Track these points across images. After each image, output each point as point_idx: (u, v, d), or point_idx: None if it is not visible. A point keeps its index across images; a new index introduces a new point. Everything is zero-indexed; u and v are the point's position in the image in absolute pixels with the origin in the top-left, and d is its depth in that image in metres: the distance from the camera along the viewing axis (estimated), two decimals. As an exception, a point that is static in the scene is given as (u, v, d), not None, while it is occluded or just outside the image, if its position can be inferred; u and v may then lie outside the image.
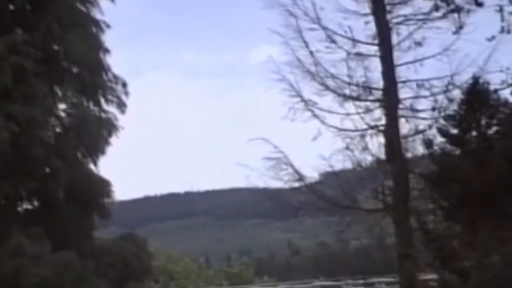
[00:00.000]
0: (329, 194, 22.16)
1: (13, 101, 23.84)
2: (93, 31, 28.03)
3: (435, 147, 20.64)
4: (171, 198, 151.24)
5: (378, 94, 21.85)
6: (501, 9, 20.50)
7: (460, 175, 19.27)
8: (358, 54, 21.84)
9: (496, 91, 20.44)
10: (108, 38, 28.82)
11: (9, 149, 23.11)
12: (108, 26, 28.47)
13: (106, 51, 28.44)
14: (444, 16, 21.50)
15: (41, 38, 25.89)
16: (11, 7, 26.99)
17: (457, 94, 21.04)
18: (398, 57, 21.76)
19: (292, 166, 21.90)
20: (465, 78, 21.01)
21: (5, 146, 23.01)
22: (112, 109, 28.73)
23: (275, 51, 22.01)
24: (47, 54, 25.80)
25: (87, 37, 27.30)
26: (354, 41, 21.80)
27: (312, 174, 22.18)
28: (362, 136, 21.73)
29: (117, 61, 29.50)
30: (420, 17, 21.67)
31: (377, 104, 21.85)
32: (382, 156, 21.71)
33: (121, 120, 28.83)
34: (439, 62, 21.47)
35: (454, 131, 20.39)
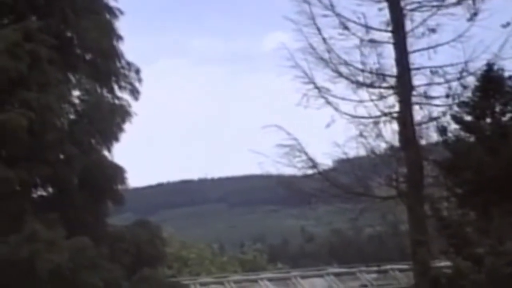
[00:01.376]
0: (342, 181, 22.16)
1: (28, 88, 23.92)
2: (107, 18, 28.01)
3: (449, 134, 20.62)
4: (185, 185, 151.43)
5: (392, 81, 21.81)
6: (516, -5, 20.42)
7: (474, 162, 19.24)
8: (372, 41, 21.79)
9: (510, 77, 20.36)
10: (121, 24, 28.84)
11: (25, 135, 23.21)
12: (121, 12, 28.45)
13: (120, 38, 28.44)
14: (458, 3, 21.43)
15: (55, 24, 25.90)
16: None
17: (471, 81, 21.02)
18: (412, 43, 21.73)
19: (305, 153, 21.91)
20: (479, 65, 20.98)
21: (22, 133, 23.10)
22: (125, 95, 28.73)
23: (287, 38, 22.01)
24: (61, 41, 25.81)
25: (100, 23, 27.27)
26: (368, 27, 21.77)
27: (325, 161, 22.19)
28: (376, 123, 21.71)
29: (128, 47, 29.51)
30: (434, 3, 21.62)
31: (391, 91, 21.81)
32: (396, 143, 21.69)
33: (135, 106, 28.88)
34: (453, 48, 21.44)
35: (468, 118, 20.35)
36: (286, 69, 21.59)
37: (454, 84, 21.39)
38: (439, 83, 21.64)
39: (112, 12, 28.36)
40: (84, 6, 26.52)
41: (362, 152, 21.97)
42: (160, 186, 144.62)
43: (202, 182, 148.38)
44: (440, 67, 21.65)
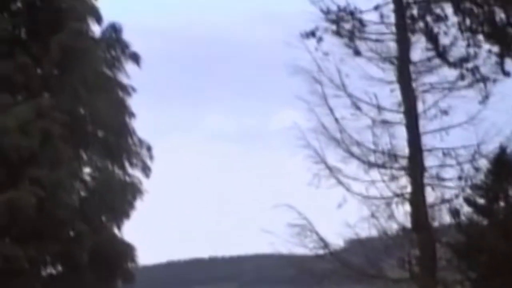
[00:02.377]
0: (354, 262, 21.88)
1: (39, 165, 24.01)
2: (119, 95, 28.32)
3: (462, 217, 20.42)
4: (195, 263, 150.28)
5: (404, 162, 21.69)
6: (528, 79, 20.47)
7: (488, 246, 19.00)
8: (384, 122, 21.76)
9: (523, 161, 20.25)
10: (133, 101, 29.08)
11: (34, 213, 23.20)
12: (134, 90, 28.78)
13: (132, 115, 28.70)
14: (470, 85, 21.45)
15: (67, 102, 26.16)
16: (39, 71, 27.33)
17: (483, 163, 20.87)
18: (424, 125, 21.66)
19: (316, 233, 21.68)
20: (492, 147, 20.87)
21: (31, 210, 23.11)
22: (136, 173, 28.86)
23: (298, 116, 21.98)
24: (73, 118, 26.04)
25: (113, 101, 27.57)
26: (380, 108, 21.74)
27: (337, 241, 21.96)
28: (388, 204, 21.52)
29: (140, 123, 29.69)
30: (446, 85, 21.64)
31: (403, 172, 21.67)
32: (408, 224, 21.46)
33: (146, 183, 28.91)
34: (466, 131, 21.35)
35: (481, 201, 20.18)
36: (298, 148, 21.55)
37: (467, 166, 21.25)
38: (451, 165, 21.50)
39: (125, 89, 28.65)
40: (97, 84, 26.82)
41: (374, 233, 21.74)
42: (170, 264, 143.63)
43: (213, 260, 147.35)
44: (453, 149, 21.56)
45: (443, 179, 21.56)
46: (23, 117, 23.73)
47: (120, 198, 27.66)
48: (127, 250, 28.04)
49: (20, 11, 28.56)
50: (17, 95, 26.01)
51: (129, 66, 29.26)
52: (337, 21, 21.60)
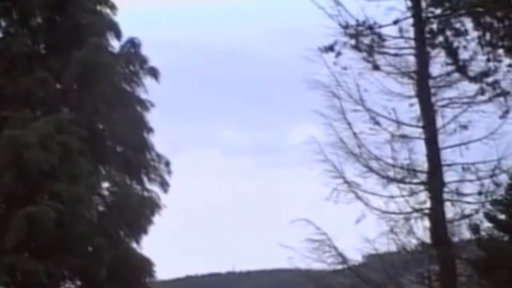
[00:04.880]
0: (373, 278, 21.79)
1: (58, 180, 24.10)
2: (137, 110, 28.42)
3: (482, 233, 20.29)
4: (213, 278, 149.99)
5: (423, 177, 21.61)
6: (549, 93, 20.38)
7: (508, 262, 18.87)
8: (403, 136, 21.70)
9: (544, 176, 20.14)
10: (152, 116, 29.18)
11: (53, 227, 23.28)
12: (152, 105, 28.89)
13: (150, 130, 28.80)
14: (490, 100, 21.38)
15: (86, 116, 26.28)
16: (58, 86, 27.48)
17: (504, 178, 20.77)
18: (443, 140, 21.58)
19: (335, 248, 21.61)
20: (512, 162, 20.74)
21: (50, 225, 23.19)
22: (155, 188, 28.91)
23: (316, 131, 21.95)
24: (92, 133, 26.15)
25: (131, 116, 27.67)
26: (399, 123, 21.69)
27: (355, 257, 21.87)
28: (407, 219, 21.43)
29: (158, 137, 29.75)
30: (465, 100, 21.56)
31: (422, 187, 21.59)
32: (428, 240, 21.36)
33: (164, 198, 28.97)
34: (485, 145, 21.25)
35: (502, 216, 20.06)
36: (315, 163, 21.51)
37: (487, 181, 21.14)
38: (471, 180, 21.40)
39: (143, 104, 28.76)
40: (116, 99, 26.93)
41: (393, 248, 21.65)
42: (188, 278, 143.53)
43: (230, 275, 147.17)
44: (472, 164, 21.46)
45: (463, 194, 21.46)
46: (42, 132, 23.84)
47: (139, 213, 27.72)
48: (145, 265, 28.07)
49: (39, 27, 28.77)
50: (36, 110, 26.16)
51: (147, 80, 29.36)
52: (356, 36, 21.59)
